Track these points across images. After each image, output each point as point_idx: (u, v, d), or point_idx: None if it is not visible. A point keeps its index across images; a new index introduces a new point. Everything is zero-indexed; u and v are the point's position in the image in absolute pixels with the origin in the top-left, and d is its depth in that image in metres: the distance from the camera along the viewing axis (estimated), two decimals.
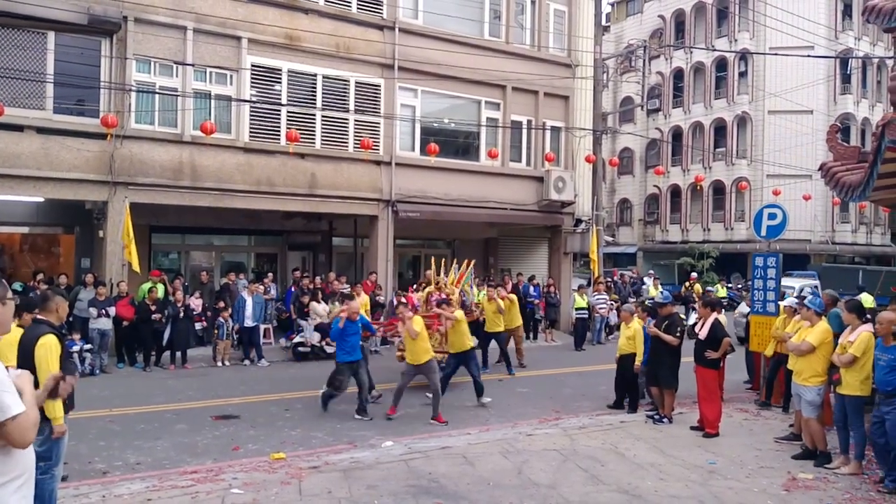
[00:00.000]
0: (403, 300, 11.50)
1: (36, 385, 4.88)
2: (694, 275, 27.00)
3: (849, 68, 36.55)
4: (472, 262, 13.86)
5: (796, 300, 10.46)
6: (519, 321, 14.88)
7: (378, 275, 17.36)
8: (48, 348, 5.07)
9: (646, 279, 24.40)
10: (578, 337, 17.90)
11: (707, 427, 8.85)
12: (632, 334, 10.31)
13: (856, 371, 6.98)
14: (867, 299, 14.95)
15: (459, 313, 11.16)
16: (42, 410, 4.54)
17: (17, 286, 14.61)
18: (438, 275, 13.15)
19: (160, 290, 14.47)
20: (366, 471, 7.11)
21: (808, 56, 29.10)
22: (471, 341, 11.10)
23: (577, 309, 17.96)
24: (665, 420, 9.48)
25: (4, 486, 2.78)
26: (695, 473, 7.20)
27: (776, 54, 32.43)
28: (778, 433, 8.84)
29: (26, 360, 5.07)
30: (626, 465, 7.44)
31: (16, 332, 5.40)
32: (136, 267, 14.39)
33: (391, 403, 9.93)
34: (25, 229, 17.60)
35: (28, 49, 13.88)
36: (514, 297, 14.93)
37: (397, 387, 9.99)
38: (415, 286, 14.11)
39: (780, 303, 10.71)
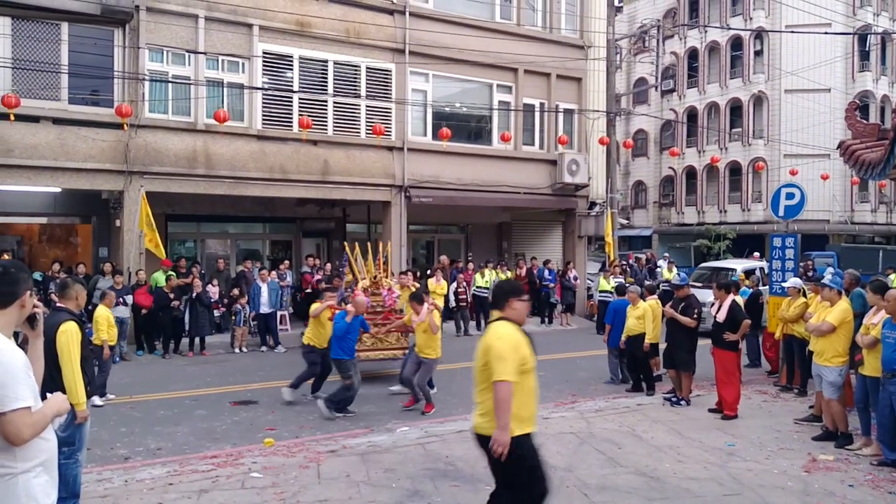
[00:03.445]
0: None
1: (59, 371, 4.98)
2: (756, 254, 25.90)
3: (867, 45, 35.90)
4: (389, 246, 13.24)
5: (801, 281, 10.43)
6: None
7: (391, 259, 17.38)
8: (69, 335, 5.11)
9: (660, 262, 24.22)
10: (603, 320, 17.80)
11: (725, 409, 8.81)
12: (640, 314, 10.32)
13: (879, 352, 6.90)
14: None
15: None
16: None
17: (37, 276, 14.79)
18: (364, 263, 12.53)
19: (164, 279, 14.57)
20: (383, 454, 7.15)
21: (826, 33, 28.60)
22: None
23: (601, 292, 17.83)
24: (683, 402, 9.46)
25: (27, 472, 2.81)
26: (713, 455, 7.17)
27: (793, 32, 31.94)
28: (798, 415, 8.79)
29: (47, 347, 5.11)
30: (644, 448, 7.43)
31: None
32: (161, 254, 14.53)
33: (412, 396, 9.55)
34: (44, 219, 17.78)
35: (42, 40, 13.95)
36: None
37: (407, 376, 9.62)
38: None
39: (783, 284, 10.64)
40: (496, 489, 4.60)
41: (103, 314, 9.92)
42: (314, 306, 10.16)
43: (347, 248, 12.84)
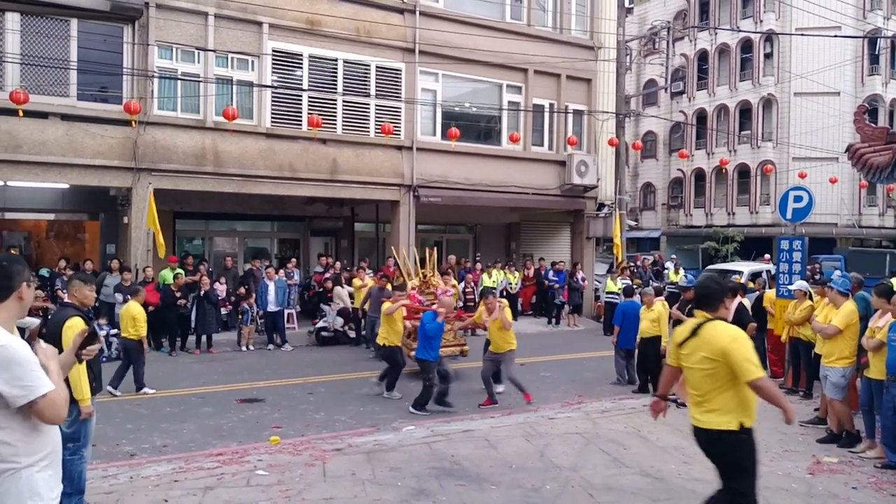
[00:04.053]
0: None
1: None
2: (767, 256, 25.18)
3: (877, 49, 35.66)
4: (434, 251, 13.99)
5: (807, 284, 10.37)
6: None
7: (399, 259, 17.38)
8: (75, 330, 5.12)
9: (667, 263, 24.16)
10: (610, 322, 17.77)
11: None
12: (656, 317, 10.25)
13: (884, 355, 6.87)
14: None
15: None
16: (70, 392, 4.63)
17: (44, 272, 14.86)
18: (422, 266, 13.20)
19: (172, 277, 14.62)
20: (389, 453, 7.15)
21: (836, 36, 28.43)
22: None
23: (608, 293, 17.82)
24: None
25: (31, 466, 2.81)
26: None
27: (802, 35, 31.76)
28: (802, 417, 8.73)
29: (53, 342, 5.13)
30: (649, 449, 7.41)
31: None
32: (161, 254, 14.55)
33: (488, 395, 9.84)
34: (51, 216, 17.86)
35: (52, 36, 14.01)
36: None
37: (485, 376, 9.93)
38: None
39: (790, 287, 10.60)
40: (721, 489, 4.65)
41: (139, 310, 10.34)
42: (386, 305, 10.34)
43: (395, 251, 13.59)
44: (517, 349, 9.98)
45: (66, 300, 5.60)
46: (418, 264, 13.23)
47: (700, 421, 4.55)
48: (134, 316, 10.22)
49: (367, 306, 14.07)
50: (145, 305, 13.73)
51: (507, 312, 9.82)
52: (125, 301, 13.32)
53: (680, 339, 4.71)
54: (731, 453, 4.48)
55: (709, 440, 4.54)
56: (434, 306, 10.09)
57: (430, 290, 12.38)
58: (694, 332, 4.61)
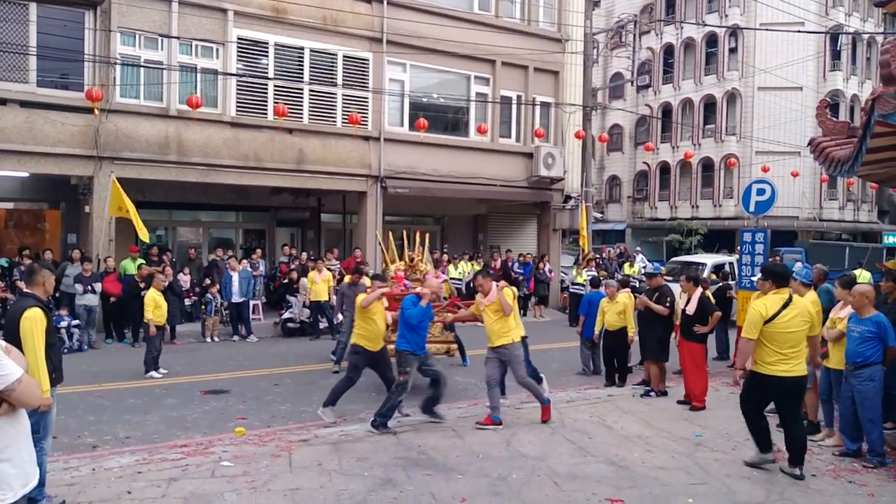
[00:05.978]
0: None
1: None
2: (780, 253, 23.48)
3: (839, 45, 36.45)
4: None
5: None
6: None
7: (366, 251, 17.30)
8: (34, 321, 5.02)
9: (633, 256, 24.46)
10: (575, 312, 17.92)
11: (694, 400, 8.92)
12: (622, 309, 10.32)
13: (844, 345, 7.01)
14: (865, 276, 15.07)
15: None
16: None
17: (3, 262, 14.52)
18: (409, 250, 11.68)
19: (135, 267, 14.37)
20: (355, 444, 7.13)
21: (799, 31, 28.98)
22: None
23: (574, 284, 17.97)
24: (653, 393, 9.56)
25: None
26: (681, 445, 7.27)
27: (767, 30, 32.31)
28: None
29: (11, 333, 5.03)
30: (614, 438, 7.50)
31: None
32: (142, 236, 14.23)
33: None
34: (10, 205, 17.46)
35: (10, 21, 13.65)
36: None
37: (490, 381, 8.11)
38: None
39: (753, 278, 10.80)
40: (789, 417, 6.42)
41: (151, 295, 10.99)
42: (361, 297, 8.35)
43: (378, 236, 13.19)
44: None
45: (25, 290, 5.46)
46: (405, 246, 11.62)
47: (792, 371, 6.05)
48: (146, 302, 10.93)
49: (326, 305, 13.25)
50: (107, 296, 13.64)
51: (508, 293, 7.96)
52: (86, 292, 13.18)
53: (772, 313, 6.01)
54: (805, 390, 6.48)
55: (799, 385, 6.19)
56: (417, 289, 8.45)
57: (417, 275, 10.92)
58: (786, 305, 6.06)
